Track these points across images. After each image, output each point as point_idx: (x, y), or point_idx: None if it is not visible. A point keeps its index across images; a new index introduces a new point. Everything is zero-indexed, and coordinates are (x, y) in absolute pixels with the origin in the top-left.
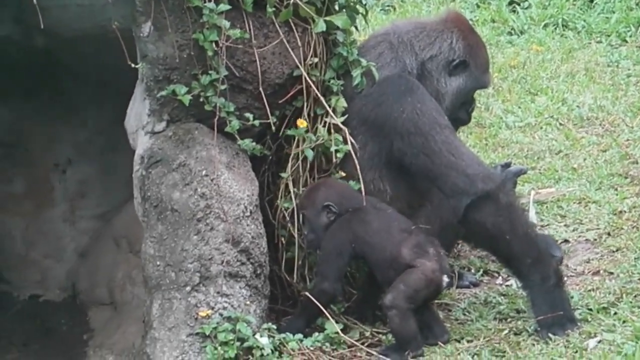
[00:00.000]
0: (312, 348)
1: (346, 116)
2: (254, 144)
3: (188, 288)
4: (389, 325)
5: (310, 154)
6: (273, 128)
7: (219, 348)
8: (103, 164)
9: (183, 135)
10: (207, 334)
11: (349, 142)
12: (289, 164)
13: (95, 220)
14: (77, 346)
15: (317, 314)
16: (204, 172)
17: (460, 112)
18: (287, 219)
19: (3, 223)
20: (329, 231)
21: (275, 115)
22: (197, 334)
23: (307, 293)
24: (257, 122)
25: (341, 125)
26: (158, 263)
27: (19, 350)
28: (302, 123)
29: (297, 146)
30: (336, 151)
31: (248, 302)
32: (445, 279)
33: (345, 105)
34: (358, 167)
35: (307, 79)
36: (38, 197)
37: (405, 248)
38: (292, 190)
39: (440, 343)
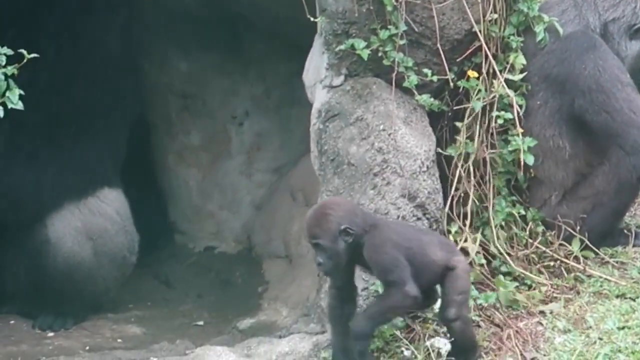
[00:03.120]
0: None
1: (525, 73)
2: (431, 99)
3: None
4: (453, 336)
5: (477, 105)
6: (451, 84)
7: None
8: (280, 117)
9: (361, 89)
10: (380, 290)
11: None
12: (465, 118)
13: (271, 173)
14: (252, 298)
15: (390, 319)
16: (381, 127)
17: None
18: (463, 173)
19: (180, 174)
20: (372, 247)
21: (454, 72)
22: (370, 288)
23: (385, 300)
24: (435, 78)
25: (517, 81)
26: None
27: (194, 301)
28: (472, 74)
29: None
30: (510, 107)
31: None
32: None
33: (524, 62)
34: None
35: (486, 35)
36: (215, 149)
37: (437, 249)
38: (463, 143)
39: None
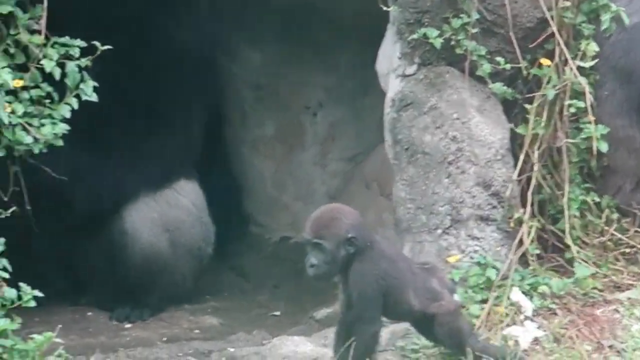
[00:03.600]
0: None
1: (597, 60)
2: (505, 87)
3: (439, 231)
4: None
5: (550, 93)
6: (524, 72)
7: (469, 291)
8: (353, 107)
9: (434, 78)
10: (457, 280)
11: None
12: (534, 104)
13: (345, 162)
14: (328, 288)
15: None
16: (455, 115)
17: None
18: (536, 161)
19: (255, 166)
20: (360, 269)
21: (526, 59)
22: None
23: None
24: (508, 66)
25: (587, 69)
26: (409, 206)
27: (270, 292)
28: (545, 62)
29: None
30: (582, 95)
31: (498, 247)
32: (455, 298)
33: (597, 49)
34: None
35: (558, 22)
36: (289, 140)
37: (415, 293)
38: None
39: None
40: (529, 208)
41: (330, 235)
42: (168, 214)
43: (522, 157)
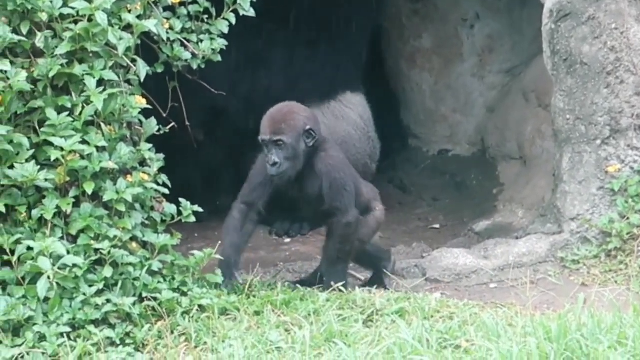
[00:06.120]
0: None
1: None
2: None
3: (598, 141)
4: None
5: None
6: None
7: (630, 201)
8: (511, 18)
9: None
10: (616, 190)
11: None
12: None
13: (503, 75)
14: (487, 200)
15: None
16: (613, 25)
17: None
18: None
19: (413, 78)
20: (327, 158)
21: None
22: (606, 188)
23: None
24: None
25: None
26: (568, 117)
27: (429, 205)
28: None
29: None
30: None
31: None
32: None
33: None
34: None
35: None
36: (446, 52)
37: (364, 187)
38: None
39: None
40: None
41: (289, 129)
42: (335, 127)
43: None
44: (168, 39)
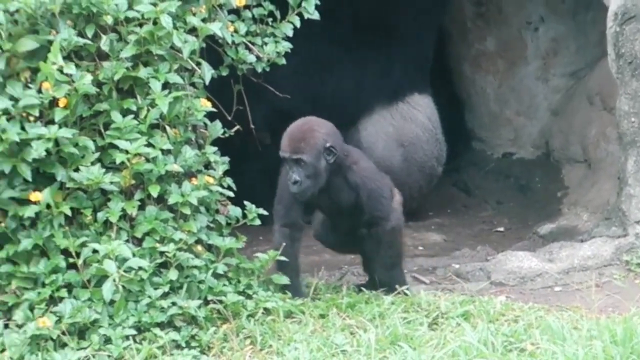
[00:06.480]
0: None
1: None
2: None
3: None
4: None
5: None
6: None
7: None
8: (575, 21)
9: None
10: None
11: None
12: None
13: (567, 77)
14: (551, 203)
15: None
16: None
17: None
18: None
19: (476, 81)
20: (360, 170)
21: None
22: None
23: (386, 248)
24: None
25: None
26: (633, 119)
27: (493, 207)
28: None
29: None
30: None
31: None
32: None
33: None
34: None
35: None
36: (511, 55)
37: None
38: None
39: None
40: None
41: (308, 148)
42: (403, 128)
43: None
44: (233, 42)
